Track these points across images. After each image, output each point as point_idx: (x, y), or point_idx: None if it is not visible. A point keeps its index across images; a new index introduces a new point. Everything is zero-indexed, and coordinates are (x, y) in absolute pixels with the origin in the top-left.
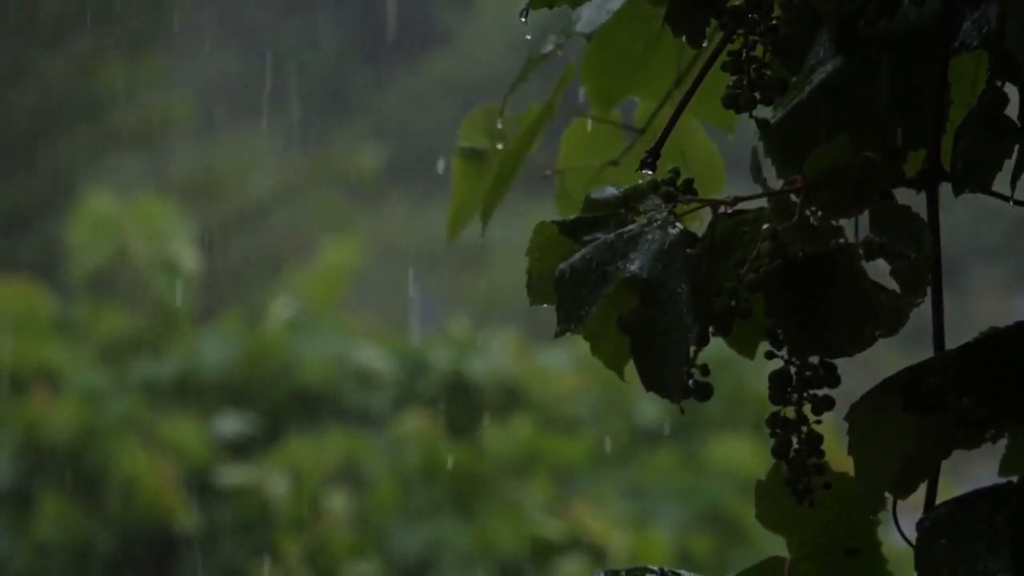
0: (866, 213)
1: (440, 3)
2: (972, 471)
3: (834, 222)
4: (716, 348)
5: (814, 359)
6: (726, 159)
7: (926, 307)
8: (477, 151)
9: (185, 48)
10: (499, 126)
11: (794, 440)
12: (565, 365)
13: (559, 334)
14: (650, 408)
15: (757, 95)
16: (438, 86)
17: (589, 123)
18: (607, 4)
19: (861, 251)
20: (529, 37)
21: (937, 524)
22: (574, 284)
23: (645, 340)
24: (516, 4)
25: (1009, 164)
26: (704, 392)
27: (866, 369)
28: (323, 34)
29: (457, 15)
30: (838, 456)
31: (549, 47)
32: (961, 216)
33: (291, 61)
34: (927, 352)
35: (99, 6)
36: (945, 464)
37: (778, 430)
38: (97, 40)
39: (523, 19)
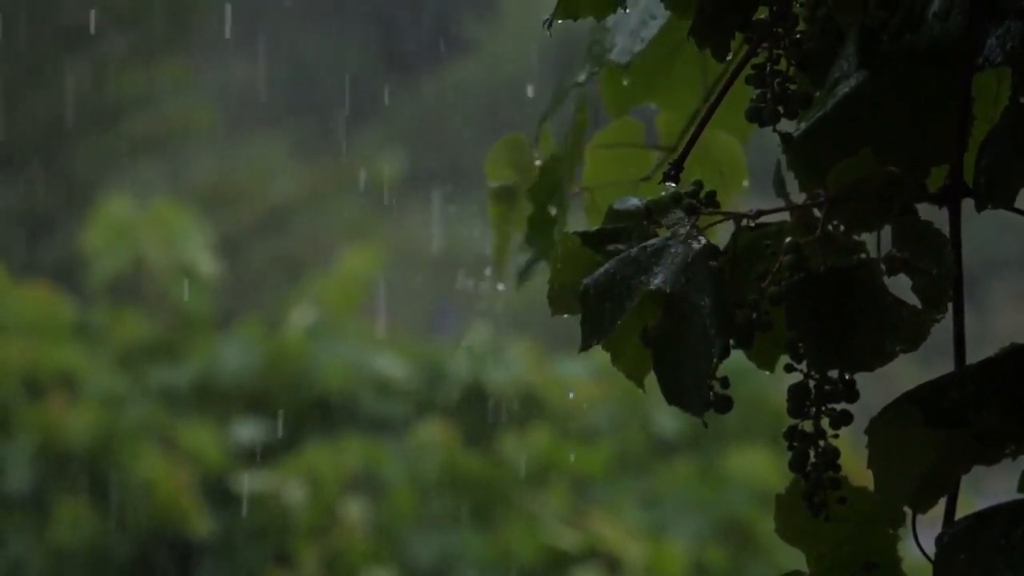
0: (888, 228)
1: (464, 11)
2: (991, 486)
3: (856, 236)
4: (733, 359)
5: (833, 373)
6: (749, 173)
7: (944, 321)
8: (507, 188)
9: (206, 55)
10: (536, 161)
11: (811, 454)
12: (583, 375)
13: (584, 349)
14: (667, 418)
15: (781, 109)
16: (461, 94)
17: (613, 141)
18: (642, 32)
19: (883, 266)
20: (550, 34)
21: (956, 539)
22: (599, 299)
23: (668, 353)
24: (540, 13)
25: None
26: (725, 405)
27: (884, 383)
28: (344, 41)
29: (480, 24)
30: (857, 470)
31: (583, 77)
32: (980, 230)
33: (312, 68)
34: (944, 366)
35: (120, 13)
36: (964, 479)
37: (795, 444)
38: (117, 46)
39: (547, 29)
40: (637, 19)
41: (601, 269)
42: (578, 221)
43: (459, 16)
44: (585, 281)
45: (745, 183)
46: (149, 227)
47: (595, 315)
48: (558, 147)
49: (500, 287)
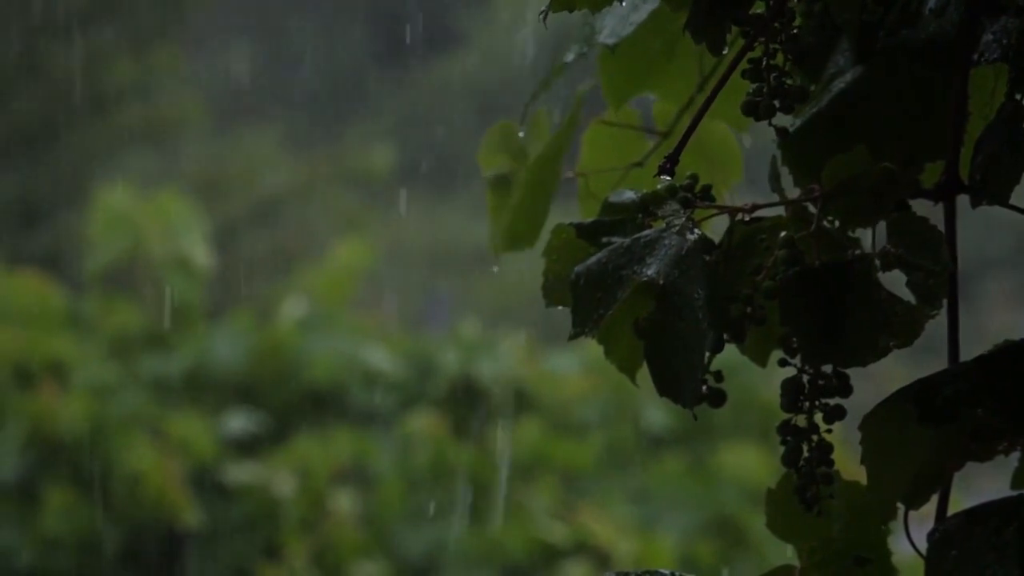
0: (883, 224)
1: (457, 4)
2: (983, 484)
3: (851, 232)
4: (724, 355)
5: (827, 368)
6: (745, 167)
7: (934, 319)
8: (502, 176)
9: (199, 45)
10: (521, 135)
11: (804, 449)
12: (573, 368)
13: (573, 337)
14: (658, 413)
15: (776, 103)
16: (453, 87)
17: (611, 125)
18: (631, 16)
19: (878, 261)
20: (545, 26)
21: (948, 535)
22: (590, 288)
23: (661, 345)
24: (533, 7)
25: None
26: (718, 398)
27: (872, 380)
28: (338, 33)
29: (473, 17)
30: (849, 466)
31: (571, 56)
32: (971, 228)
33: (305, 59)
34: (932, 363)
35: (111, 2)
36: (956, 477)
37: (789, 438)
38: (110, 36)
39: (542, 21)
40: (629, 2)
41: (593, 258)
42: (571, 208)
43: (451, 8)
44: (576, 269)
45: (740, 175)
46: (150, 217)
47: (585, 304)
48: (536, 128)
49: (495, 269)
